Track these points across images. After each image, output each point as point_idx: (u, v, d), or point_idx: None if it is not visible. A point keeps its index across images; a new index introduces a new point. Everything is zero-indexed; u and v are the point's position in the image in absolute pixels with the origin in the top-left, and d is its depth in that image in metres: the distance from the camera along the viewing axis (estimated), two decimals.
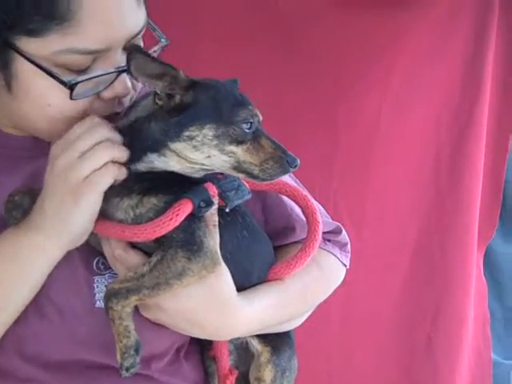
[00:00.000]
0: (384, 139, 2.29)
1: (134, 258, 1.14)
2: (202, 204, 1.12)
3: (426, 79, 2.28)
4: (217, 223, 1.15)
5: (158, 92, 1.10)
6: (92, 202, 1.10)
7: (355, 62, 2.22)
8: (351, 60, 2.22)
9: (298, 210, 1.32)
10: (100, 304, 1.17)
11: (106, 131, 1.12)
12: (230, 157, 1.10)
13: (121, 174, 1.11)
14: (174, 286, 1.10)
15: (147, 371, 1.21)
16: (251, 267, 1.23)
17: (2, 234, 1.14)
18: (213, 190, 1.14)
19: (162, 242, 1.11)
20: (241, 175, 1.12)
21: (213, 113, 1.10)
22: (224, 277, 1.16)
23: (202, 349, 1.32)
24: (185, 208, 1.10)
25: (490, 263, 2.74)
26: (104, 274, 1.21)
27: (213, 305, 1.16)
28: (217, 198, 1.15)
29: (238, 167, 1.11)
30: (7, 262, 1.12)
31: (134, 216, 1.12)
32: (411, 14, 2.18)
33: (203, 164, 1.11)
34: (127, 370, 1.10)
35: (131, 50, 1.07)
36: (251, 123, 1.11)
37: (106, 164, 1.10)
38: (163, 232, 1.09)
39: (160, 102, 1.10)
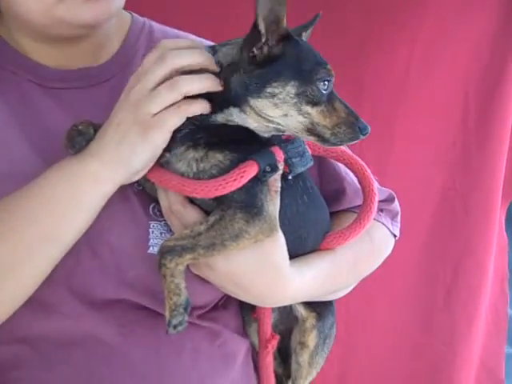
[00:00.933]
0: (411, 96, 2.29)
1: (192, 214, 1.12)
2: (268, 168, 1.09)
3: (455, 36, 2.26)
4: (279, 189, 1.13)
5: (264, 38, 1.04)
6: (158, 141, 1.07)
7: (383, 15, 2.20)
8: (379, 13, 2.20)
9: (352, 175, 1.31)
10: (153, 250, 1.16)
11: (176, 60, 1.07)
12: (305, 118, 1.06)
13: (198, 108, 1.08)
14: (229, 248, 1.08)
15: (189, 318, 1.19)
16: (307, 235, 1.20)
17: (61, 161, 1.11)
18: (280, 155, 1.11)
19: (221, 201, 1.09)
20: (312, 138, 1.09)
21: (296, 69, 1.06)
22: (279, 244, 1.14)
23: (242, 304, 1.30)
24: (250, 170, 1.08)
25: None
26: (160, 221, 1.18)
27: (264, 271, 1.14)
28: (282, 163, 1.12)
29: (311, 129, 1.07)
30: (59, 189, 1.09)
31: (197, 170, 1.10)
32: None
33: (279, 123, 1.08)
34: (175, 327, 1.08)
35: None
36: (328, 83, 1.08)
37: (177, 102, 1.06)
38: (225, 192, 1.07)
39: (256, 52, 1.05)
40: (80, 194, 1.09)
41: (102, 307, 1.16)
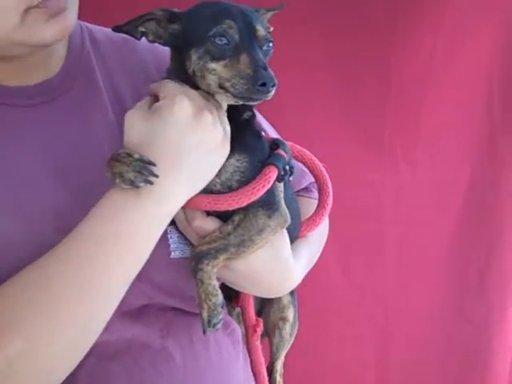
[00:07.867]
0: (436, 80, 2.31)
1: (211, 224, 1.14)
2: (282, 171, 1.15)
3: (477, 23, 2.27)
4: (282, 188, 1.19)
5: (145, 30, 1.12)
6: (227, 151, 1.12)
7: (408, 5, 2.23)
8: (404, 3, 2.23)
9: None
10: (175, 254, 1.18)
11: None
12: (213, 75, 1.08)
13: None
14: (256, 242, 1.13)
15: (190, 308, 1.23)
16: (293, 225, 1.23)
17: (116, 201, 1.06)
18: (285, 156, 1.17)
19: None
20: (222, 92, 1.10)
21: (194, 36, 1.09)
22: (286, 239, 1.19)
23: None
24: (273, 175, 1.13)
25: None
26: (175, 224, 1.17)
27: (276, 267, 1.19)
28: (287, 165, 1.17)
29: (220, 84, 1.09)
30: (136, 233, 1.06)
31: (221, 182, 1.13)
32: None
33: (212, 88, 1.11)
34: (214, 325, 1.12)
35: (114, 30, 1.11)
36: (227, 38, 1.07)
37: None
38: (256, 198, 1.11)
39: (151, 37, 1.12)
40: (154, 233, 1.08)
41: (139, 314, 1.18)
